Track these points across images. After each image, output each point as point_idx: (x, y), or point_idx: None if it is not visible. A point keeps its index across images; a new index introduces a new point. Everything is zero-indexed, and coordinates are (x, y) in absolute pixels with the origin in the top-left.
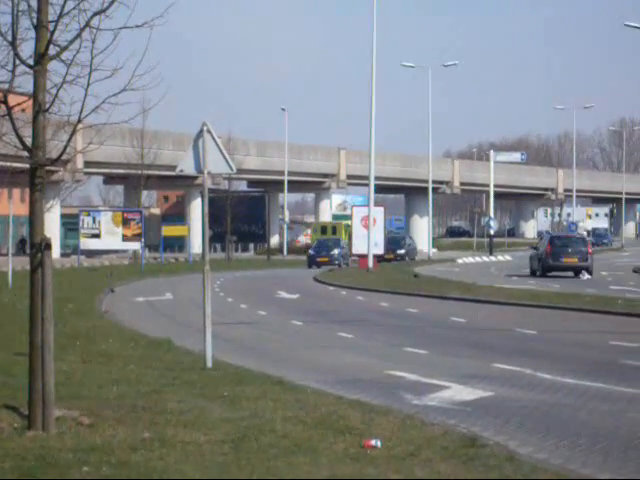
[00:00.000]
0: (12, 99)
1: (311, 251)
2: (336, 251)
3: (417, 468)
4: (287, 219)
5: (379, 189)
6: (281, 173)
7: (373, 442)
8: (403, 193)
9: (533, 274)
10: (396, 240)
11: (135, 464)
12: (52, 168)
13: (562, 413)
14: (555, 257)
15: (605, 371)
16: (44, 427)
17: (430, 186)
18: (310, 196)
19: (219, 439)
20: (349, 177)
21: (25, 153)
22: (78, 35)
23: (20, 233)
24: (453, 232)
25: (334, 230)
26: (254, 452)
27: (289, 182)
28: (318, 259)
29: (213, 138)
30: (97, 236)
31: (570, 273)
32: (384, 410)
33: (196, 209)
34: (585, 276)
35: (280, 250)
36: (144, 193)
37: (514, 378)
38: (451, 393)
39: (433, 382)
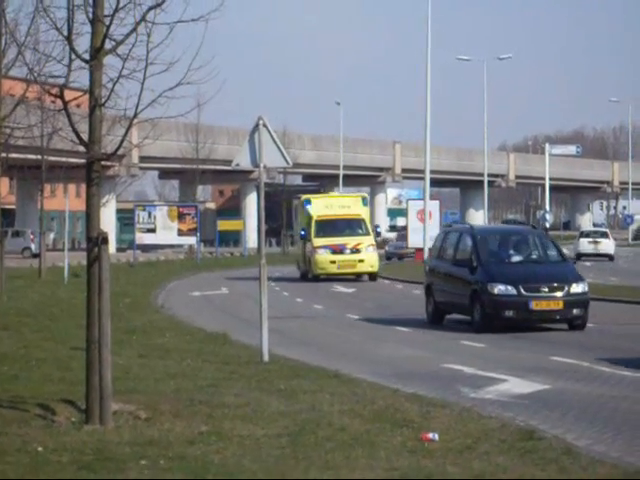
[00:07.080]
0: (67, 94)
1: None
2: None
3: (475, 461)
4: None
5: (434, 182)
6: (336, 167)
7: (431, 435)
8: (458, 186)
9: None
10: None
11: (192, 458)
12: (108, 163)
13: (620, 405)
14: None
15: None
16: (101, 421)
17: (486, 179)
18: (365, 190)
19: (276, 433)
20: (404, 171)
21: (81, 148)
22: (134, 29)
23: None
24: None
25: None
26: (311, 445)
27: (344, 176)
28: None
29: (269, 132)
30: (152, 231)
31: None
32: (441, 403)
33: (251, 203)
34: None
35: None
36: (199, 187)
37: (572, 370)
38: (508, 386)
39: (490, 375)
